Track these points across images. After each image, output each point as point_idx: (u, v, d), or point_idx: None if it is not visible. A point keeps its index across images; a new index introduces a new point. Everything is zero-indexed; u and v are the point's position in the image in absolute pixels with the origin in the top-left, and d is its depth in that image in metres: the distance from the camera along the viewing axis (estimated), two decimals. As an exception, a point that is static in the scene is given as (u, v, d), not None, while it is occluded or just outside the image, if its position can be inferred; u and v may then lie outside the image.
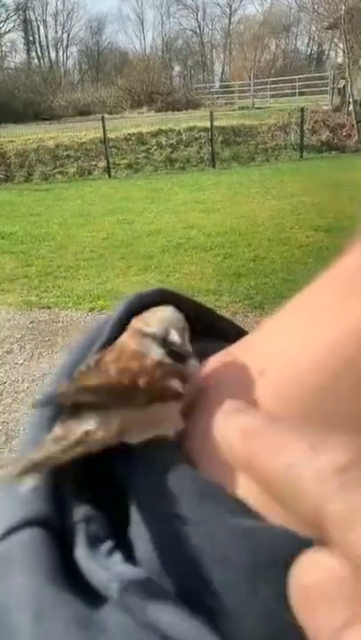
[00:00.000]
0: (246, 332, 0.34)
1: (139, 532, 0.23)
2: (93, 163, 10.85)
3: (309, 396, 0.22)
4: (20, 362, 3.53)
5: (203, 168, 10.79)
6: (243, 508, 0.22)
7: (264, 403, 0.24)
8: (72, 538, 0.23)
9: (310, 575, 0.14)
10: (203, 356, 0.29)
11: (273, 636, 0.18)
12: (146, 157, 11.13)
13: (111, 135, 11.08)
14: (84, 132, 11.80)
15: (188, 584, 0.21)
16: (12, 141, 11.26)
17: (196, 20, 36.80)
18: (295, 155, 11.16)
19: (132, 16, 43.14)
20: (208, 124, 11.20)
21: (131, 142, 11.41)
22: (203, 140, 11.30)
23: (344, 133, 11.73)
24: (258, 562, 0.20)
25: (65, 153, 11.07)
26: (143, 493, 0.24)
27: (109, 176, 10.49)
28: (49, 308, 4.38)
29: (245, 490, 0.22)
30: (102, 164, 10.73)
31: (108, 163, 10.62)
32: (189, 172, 10.50)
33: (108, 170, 10.59)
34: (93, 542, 0.23)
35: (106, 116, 12.52)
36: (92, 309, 4.20)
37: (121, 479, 0.26)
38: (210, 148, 11.04)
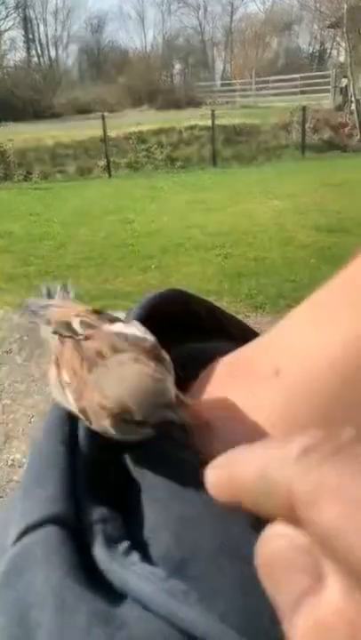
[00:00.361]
0: (255, 332, 0.35)
1: (155, 531, 0.24)
2: (93, 161, 10.79)
3: (324, 397, 0.23)
4: (19, 362, 3.49)
5: (204, 167, 10.72)
6: None
7: (276, 403, 0.24)
8: (90, 538, 0.24)
9: (273, 545, 0.14)
10: (213, 355, 0.30)
11: None
12: (146, 156, 11.06)
13: (111, 134, 11.00)
14: (84, 130, 11.74)
15: (205, 581, 0.21)
16: (11, 140, 11.18)
17: (197, 17, 36.78)
18: (297, 154, 11.09)
19: (132, 14, 43.09)
20: (209, 123, 11.12)
21: (131, 141, 11.35)
22: (204, 139, 11.23)
23: (346, 133, 11.66)
24: None
25: (65, 152, 11.01)
26: (159, 494, 0.25)
27: (109, 175, 10.43)
28: (48, 308, 4.33)
29: None
30: (102, 162, 10.66)
31: (108, 161, 10.55)
32: (190, 172, 10.43)
33: (108, 169, 10.52)
34: (110, 542, 0.23)
35: (106, 114, 12.43)
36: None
37: (134, 479, 0.26)
38: (211, 147, 10.97)
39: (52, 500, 0.25)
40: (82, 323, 0.28)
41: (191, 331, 0.35)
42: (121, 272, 4.93)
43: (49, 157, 10.87)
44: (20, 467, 2.54)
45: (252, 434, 0.25)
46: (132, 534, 0.24)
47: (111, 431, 0.26)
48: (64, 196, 8.75)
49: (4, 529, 0.27)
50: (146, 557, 0.23)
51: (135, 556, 0.23)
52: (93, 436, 0.28)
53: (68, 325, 0.29)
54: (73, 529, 0.24)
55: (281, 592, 0.14)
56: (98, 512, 0.25)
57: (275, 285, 4.27)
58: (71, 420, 0.29)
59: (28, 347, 3.68)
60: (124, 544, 0.23)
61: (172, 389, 0.25)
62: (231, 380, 0.28)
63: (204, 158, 11.01)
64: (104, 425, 0.26)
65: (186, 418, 0.27)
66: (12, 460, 2.58)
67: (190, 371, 0.31)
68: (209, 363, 0.30)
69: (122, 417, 0.25)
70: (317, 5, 17.66)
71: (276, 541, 0.14)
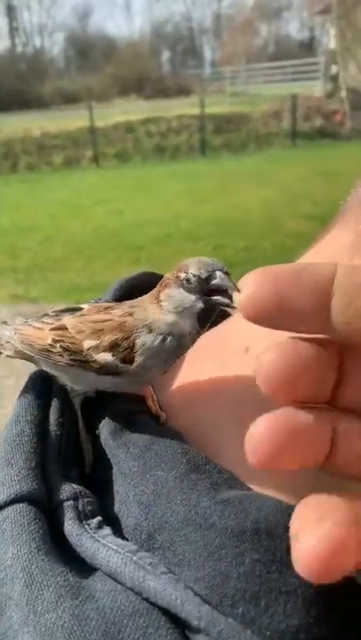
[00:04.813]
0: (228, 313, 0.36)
1: (125, 504, 0.25)
2: (81, 152, 10.61)
3: None
4: (7, 357, 3.44)
5: (193, 157, 10.60)
6: (229, 479, 0.24)
7: (244, 376, 0.27)
8: (60, 515, 0.24)
9: None
10: None
11: (259, 592, 0.20)
12: (135, 146, 10.91)
13: (99, 123, 10.82)
14: (71, 120, 11.52)
15: (171, 551, 0.22)
16: (-4, 131, 10.95)
17: (185, 4, 36.09)
18: (288, 142, 11.00)
19: (119, 1, 42.18)
20: (198, 112, 10.98)
21: (119, 131, 11.17)
22: (193, 128, 11.09)
23: (337, 120, 11.57)
24: (245, 528, 0.22)
25: (52, 142, 10.82)
26: (130, 468, 0.25)
27: (97, 165, 10.28)
28: (36, 301, 4.27)
29: (231, 461, 0.25)
30: (90, 153, 10.49)
31: (95, 152, 10.39)
32: (179, 161, 10.31)
33: (95, 159, 10.36)
34: (83, 518, 0.24)
35: (94, 103, 12.21)
36: (80, 302, 4.10)
37: (104, 455, 0.27)
38: (200, 136, 10.84)
39: (21, 479, 0.25)
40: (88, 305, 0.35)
41: None
42: (111, 264, 4.86)
43: (35, 148, 10.67)
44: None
45: (214, 412, 0.26)
46: (103, 509, 0.25)
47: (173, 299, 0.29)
48: (51, 187, 8.61)
49: None
50: (117, 531, 0.24)
51: (106, 531, 0.24)
52: (64, 415, 0.29)
53: (80, 308, 0.35)
54: (42, 506, 0.24)
55: None
56: (68, 489, 0.25)
57: (266, 275, 4.24)
58: (41, 403, 0.30)
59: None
60: (96, 519, 0.24)
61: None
62: (206, 356, 0.30)
63: (194, 147, 10.88)
64: (167, 293, 0.29)
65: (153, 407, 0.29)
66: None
67: None
68: None
69: (186, 277, 0.28)
70: (307, -9, 17.38)
71: None
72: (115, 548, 0.22)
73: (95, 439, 0.29)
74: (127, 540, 0.24)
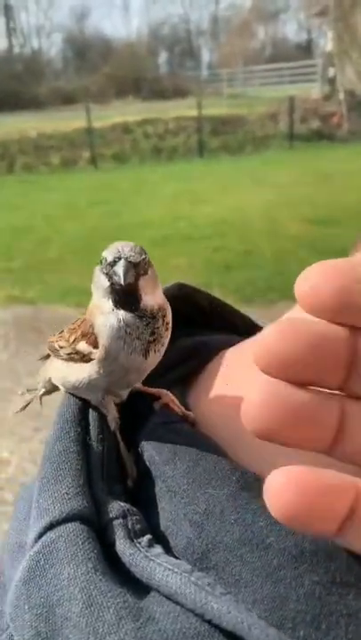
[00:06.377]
0: (257, 326, 0.36)
1: (175, 523, 0.24)
2: (78, 153, 10.59)
3: None
4: (5, 359, 3.42)
5: (191, 158, 10.60)
6: None
7: None
8: (111, 533, 0.24)
9: None
10: (217, 347, 0.33)
11: (319, 615, 0.20)
12: (132, 147, 10.90)
13: (96, 124, 10.81)
14: (68, 121, 11.51)
15: (227, 571, 0.22)
16: (-7, 131, 10.91)
17: (183, 6, 36.18)
18: (285, 144, 11.02)
19: (117, 1, 42.24)
20: (195, 113, 10.99)
21: (116, 132, 11.16)
22: (190, 130, 11.10)
23: (334, 122, 11.61)
24: (303, 549, 0.21)
25: (48, 143, 10.79)
26: (179, 485, 0.25)
27: (95, 167, 10.26)
28: (33, 303, 4.24)
29: None
30: (87, 154, 10.47)
31: (93, 153, 10.36)
32: (177, 163, 10.30)
33: (93, 160, 10.34)
34: (133, 536, 0.24)
35: (91, 104, 12.19)
36: (78, 304, 4.07)
37: (148, 471, 0.27)
38: (197, 138, 10.85)
39: (71, 497, 0.25)
40: None
41: (194, 323, 0.37)
42: (108, 266, 4.83)
43: (32, 149, 10.64)
44: (7, 464, 2.49)
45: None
46: (151, 527, 0.25)
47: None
48: (48, 188, 8.58)
49: (18, 527, 0.27)
50: (167, 550, 0.23)
51: (158, 549, 0.23)
52: (103, 431, 0.29)
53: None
54: (93, 525, 0.24)
55: None
56: (116, 507, 0.25)
57: (264, 278, 4.23)
58: (82, 420, 0.30)
59: (13, 343, 3.59)
60: (147, 537, 0.24)
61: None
62: (236, 370, 0.29)
63: (191, 149, 10.88)
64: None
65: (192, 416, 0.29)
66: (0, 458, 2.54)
67: (194, 362, 0.33)
68: (212, 354, 0.32)
69: (101, 259, 0.32)
70: (304, -7, 17.47)
71: None
72: (170, 567, 0.22)
73: (137, 457, 0.28)
74: (177, 558, 0.23)
